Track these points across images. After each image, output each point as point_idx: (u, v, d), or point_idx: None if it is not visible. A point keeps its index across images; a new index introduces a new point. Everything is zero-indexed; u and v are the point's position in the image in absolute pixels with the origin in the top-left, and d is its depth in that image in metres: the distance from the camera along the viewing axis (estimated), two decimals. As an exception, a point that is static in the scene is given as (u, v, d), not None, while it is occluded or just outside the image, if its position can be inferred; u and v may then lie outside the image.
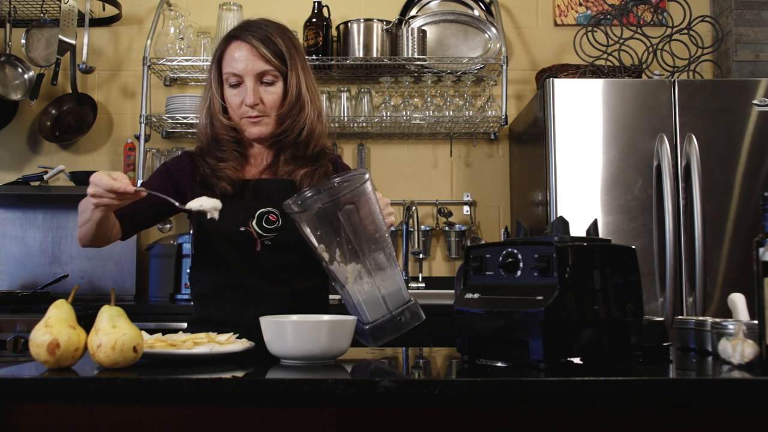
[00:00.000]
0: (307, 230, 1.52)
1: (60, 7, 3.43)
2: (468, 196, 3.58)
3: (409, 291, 3.45)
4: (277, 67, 1.75)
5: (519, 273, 1.35)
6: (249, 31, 1.76)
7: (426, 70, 3.50)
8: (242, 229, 1.74)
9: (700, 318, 1.56)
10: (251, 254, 1.74)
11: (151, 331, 1.50)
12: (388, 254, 1.54)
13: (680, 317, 1.62)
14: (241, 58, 1.73)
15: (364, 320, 1.52)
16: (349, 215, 1.49)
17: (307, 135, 1.78)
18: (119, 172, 1.53)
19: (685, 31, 3.12)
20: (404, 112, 3.44)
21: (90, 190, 1.51)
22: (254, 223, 1.74)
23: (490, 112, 3.42)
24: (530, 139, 3.18)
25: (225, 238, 1.75)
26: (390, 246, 1.55)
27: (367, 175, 1.52)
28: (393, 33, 3.41)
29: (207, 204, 1.55)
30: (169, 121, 3.42)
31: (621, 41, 3.09)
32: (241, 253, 1.74)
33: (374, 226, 1.52)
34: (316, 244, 1.52)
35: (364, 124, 3.50)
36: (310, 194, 1.50)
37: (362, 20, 3.39)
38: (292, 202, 1.50)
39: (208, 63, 2.02)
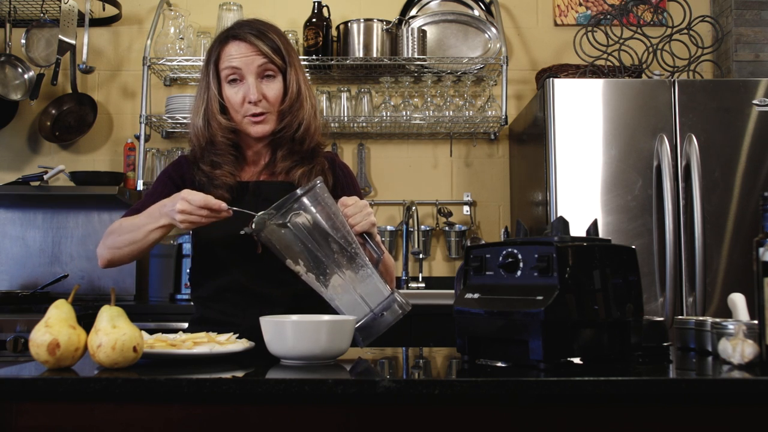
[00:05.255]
0: (272, 247, 1.53)
1: (60, 7, 3.43)
2: (468, 196, 3.58)
3: (409, 291, 3.47)
4: (276, 62, 1.75)
5: (519, 273, 1.35)
6: (245, 29, 1.76)
7: (426, 70, 3.50)
8: (242, 232, 1.74)
9: (700, 318, 1.56)
10: (252, 257, 1.73)
11: (151, 331, 1.50)
12: (355, 254, 1.53)
13: (680, 317, 1.62)
14: (241, 55, 1.74)
15: None
16: (301, 225, 1.49)
17: (304, 131, 1.78)
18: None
19: (685, 31, 3.12)
20: (404, 112, 3.44)
21: (180, 206, 1.54)
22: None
23: (490, 112, 3.42)
24: (530, 139, 3.18)
25: (225, 242, 1.75)
26: (356, 245, 1.53)
27: (315, 182, 1.53)
28: (393, 33, 3.41)
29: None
30: (169, 121, 3.42)
31: (621, 41, 3.09)
32: (242, 256, 1.74)
33: (333, 228, 1.51)
34: (282, 259, 1.53)
35: (364, 124, 3.50)
36: (261, 213, 1.50)
37: (362, 20, 3.39)
38: (246, 227, 1.52)
39: (207, 63, 2.01)
